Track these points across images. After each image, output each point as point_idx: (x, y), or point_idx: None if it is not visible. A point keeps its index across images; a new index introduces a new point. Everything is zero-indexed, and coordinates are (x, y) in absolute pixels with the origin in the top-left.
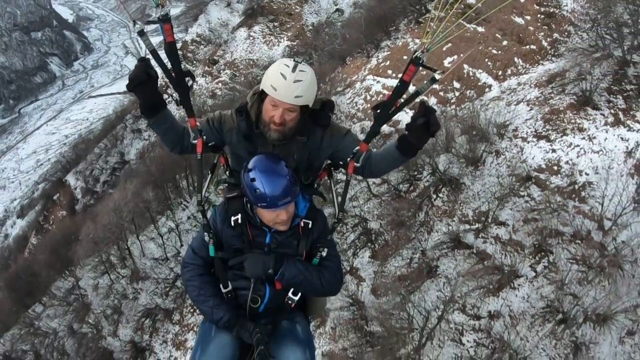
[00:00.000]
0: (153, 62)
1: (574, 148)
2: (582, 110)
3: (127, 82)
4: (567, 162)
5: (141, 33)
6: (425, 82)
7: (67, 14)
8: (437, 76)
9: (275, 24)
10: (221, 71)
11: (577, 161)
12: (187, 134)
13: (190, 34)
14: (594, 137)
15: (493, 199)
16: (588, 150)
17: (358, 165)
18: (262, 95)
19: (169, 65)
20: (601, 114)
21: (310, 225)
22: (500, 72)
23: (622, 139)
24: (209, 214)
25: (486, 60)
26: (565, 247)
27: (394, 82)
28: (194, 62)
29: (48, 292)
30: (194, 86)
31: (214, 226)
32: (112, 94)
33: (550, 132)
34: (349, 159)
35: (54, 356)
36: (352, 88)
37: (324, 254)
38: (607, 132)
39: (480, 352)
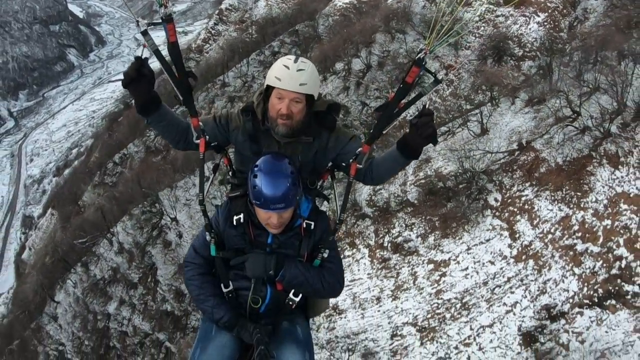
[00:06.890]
0: (157, 62)
1: None
2: None
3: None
4: None
5: (144, 33)
6: (428, 84)
7: (77, 11)
8: (440, 77)
9: None
10: (248, 27)
11: None
12: (191, 131)
13: (224, 3)
14: None
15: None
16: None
17: (360, 166)
18: (268, 91)
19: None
20: None
21: (312, 227)
22: None
23: None
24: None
25: None
26: None
27: None
28: (227, 22)
29: None
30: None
31: (216, 225)
32: None
33: None
34: (351, 161)
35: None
36: (330, 5)
37: (325, 255)
38: None
39: None
